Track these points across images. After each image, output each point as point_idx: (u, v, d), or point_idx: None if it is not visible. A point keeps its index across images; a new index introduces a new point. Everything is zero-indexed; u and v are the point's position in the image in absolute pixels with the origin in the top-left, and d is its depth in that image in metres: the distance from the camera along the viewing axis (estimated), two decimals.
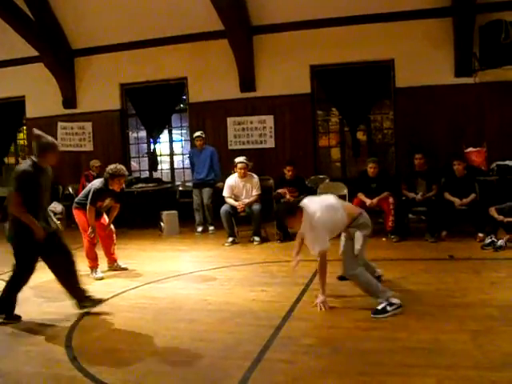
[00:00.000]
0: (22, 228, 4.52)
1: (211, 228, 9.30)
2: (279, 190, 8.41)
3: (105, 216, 6.60)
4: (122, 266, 6.68)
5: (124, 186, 6.43)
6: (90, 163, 10.56)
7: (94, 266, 6.30)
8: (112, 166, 6.21)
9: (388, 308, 4.39)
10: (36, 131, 4.73)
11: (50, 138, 4.71)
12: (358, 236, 4.64)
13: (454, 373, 3.25)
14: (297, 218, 4.65)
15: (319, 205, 4.69)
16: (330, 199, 4.87)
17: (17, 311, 4.98)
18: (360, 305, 4.74)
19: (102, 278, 6.20)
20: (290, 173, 8.45)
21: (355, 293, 5.05)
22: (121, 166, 6.26)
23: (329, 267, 4.74)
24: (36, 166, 4.56)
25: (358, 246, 4.61)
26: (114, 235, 6.67)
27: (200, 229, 9.37)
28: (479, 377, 3.18)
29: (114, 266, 6.65)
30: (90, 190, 6.24)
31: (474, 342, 3.71)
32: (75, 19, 10.77)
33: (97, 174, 9.91)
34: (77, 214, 6.43)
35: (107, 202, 6.38)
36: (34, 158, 4.62)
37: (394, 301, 4.45)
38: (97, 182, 6.31)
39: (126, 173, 6.39)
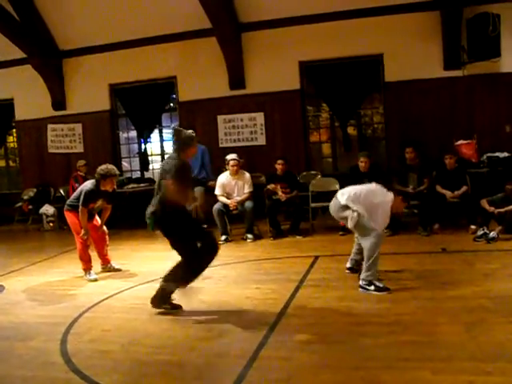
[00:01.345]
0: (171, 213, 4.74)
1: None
2: (270, 186, 8.38)
3: (97, 217, 6.58)
4: (116, 267, 6.66)
5: (115, 186, 6.43)
6: (76, 164, 10.55)
7: (87, 268, 6.27)
8: (103, 167, 6.19)
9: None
10: (176, 127, 4.84)
11: (189, 132, 4.87)
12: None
13: (449, 365, 3.27)
14: None
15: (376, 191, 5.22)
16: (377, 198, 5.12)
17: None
18: (354, 300, 4.76)
19: (95, 280, 6.17)
20: (281, 166, 8.43)
21: (349, 287, 5.08)
22: (111, 166, 6.26)
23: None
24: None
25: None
26: (107, 236, 6.64)
27: None
28: (474, 368, 3.19)
29: (107, 267, 6.63)
30: (81, 192, 6.22)
31: (468, 334, 3.73)
32: (62, 20, 10.70)
33: (85, 174, 9.90)
34: (69, 216, 6.40)
35: (99, 203, 6.35)
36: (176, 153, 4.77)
37: None
38: (88, 184, 6.28)
39: (118, 172, 6.39)
